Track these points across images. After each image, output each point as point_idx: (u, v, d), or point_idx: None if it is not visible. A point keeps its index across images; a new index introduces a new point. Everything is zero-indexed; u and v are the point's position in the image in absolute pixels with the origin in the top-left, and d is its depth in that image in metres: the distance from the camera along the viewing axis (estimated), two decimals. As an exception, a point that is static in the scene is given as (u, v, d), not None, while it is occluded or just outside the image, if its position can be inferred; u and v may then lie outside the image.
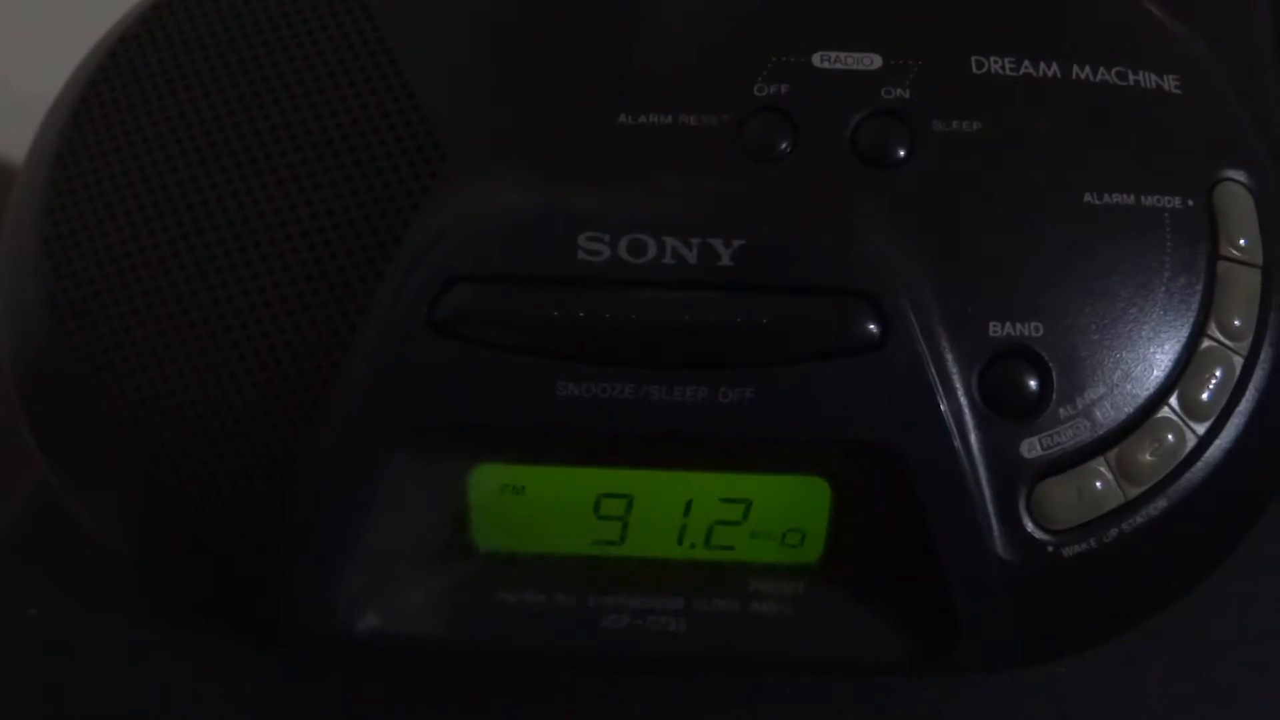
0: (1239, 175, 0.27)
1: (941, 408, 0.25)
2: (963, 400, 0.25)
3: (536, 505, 0.27)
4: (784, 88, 0.26)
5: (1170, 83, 0.27)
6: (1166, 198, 0.26)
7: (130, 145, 0.27)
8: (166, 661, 0.31)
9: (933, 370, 0.25)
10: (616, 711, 0.30)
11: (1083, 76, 0.27)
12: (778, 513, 0.27)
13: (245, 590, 0.27)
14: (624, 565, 0.28)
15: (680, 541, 0.28)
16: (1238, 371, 0.26)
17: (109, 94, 0.28)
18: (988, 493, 0.25)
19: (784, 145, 0.26)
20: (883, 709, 0.30)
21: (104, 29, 0.30)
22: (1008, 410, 0.25)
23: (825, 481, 0.26)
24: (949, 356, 0.25)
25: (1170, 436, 0.25)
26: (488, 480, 0.27)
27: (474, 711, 0.30)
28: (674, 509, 0.27)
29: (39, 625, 0.32)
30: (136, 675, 0.31)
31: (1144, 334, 0.25)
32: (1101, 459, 0.25)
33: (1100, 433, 0.25)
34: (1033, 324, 0.25)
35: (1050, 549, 0.25)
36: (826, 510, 0.27)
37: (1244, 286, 0.26)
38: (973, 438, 0.25)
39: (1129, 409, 0.25)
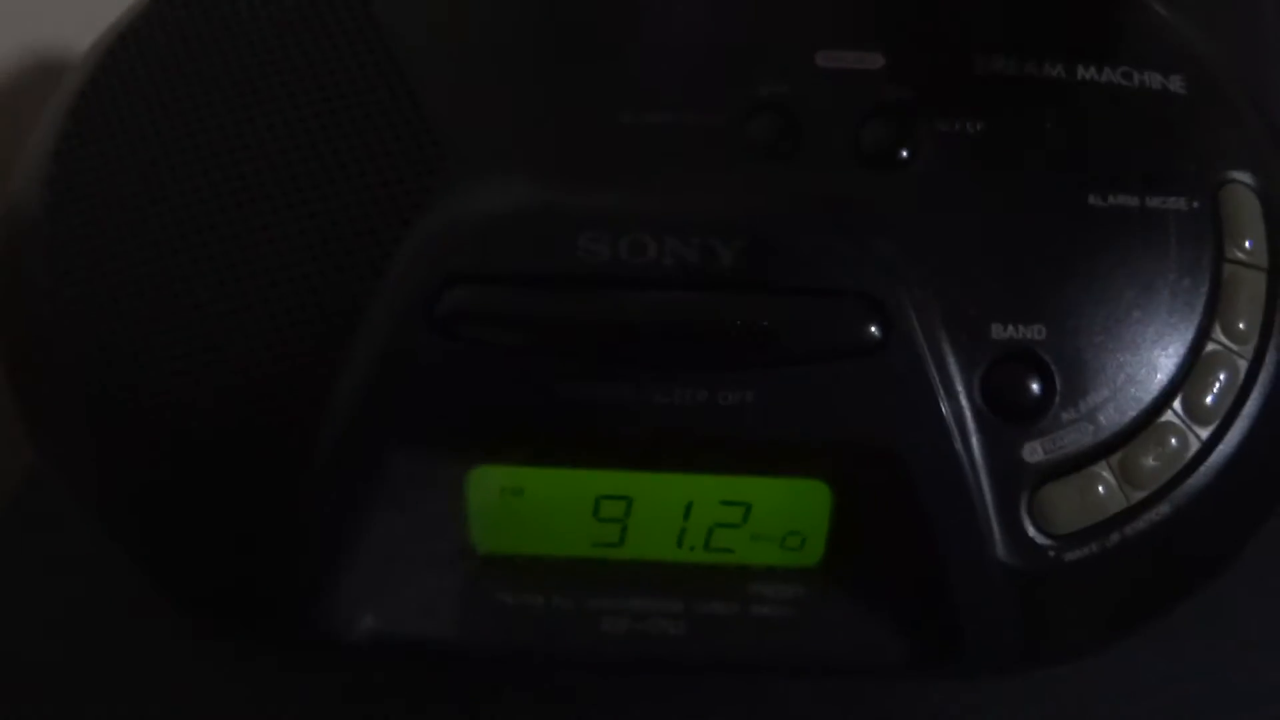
0: (1245, 177, 0.26)
1: (943, 410, 0.24)
2: (964, 403, 0.25)
3: (535, 507, 0.27)
4: (786, 87, 0.26)
5: (1176, 83, 0.27)
6: (1172, 199, 0.26)
7: (129, 146, 0.27)
8: (164, 662, 0.31)
9: (934, 372, 0.24)
10: (615, 715, 0.29)
11: (1087, 76, 0.27)
12: (778, 515, 0.27)
13: (244, 591, 0.27)
14: (623, 567, 0.27)
15: (680, 544, 0.27)
16: (1242, 375, 0.25)
17: (107, 93, 0.27)
18: (989, 496, 0.25)
19: (786, 145, 0.26)
20: (883, 712, 0.30)
21: (102, 26, 0.29)
22: (1010, 413, 0.25)
23: (826, 484, 0.26)
24: (951, 359, 0.25)
25: (1174, 441, 0.25)
26: (486, 482, 0.27)
27: (473, 714, 0.30)
28: (673, 511, 0.27)
29: (34, 623, 0.32)
30: (133, 675, 0.31)
31: (1148, 337, 0.25)
32: (1104, 463, 0.25)
33: (1103, 436, 0.25)
34: (1035, 326, 0.25)
35: (1052, 553, 0.25)
36: (827, 513, 0.27)
37: (1249, 289, 0.26)
38: (974, 441, 0.25)
39: (1132, 413, 0.25)
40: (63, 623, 0.32)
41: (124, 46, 0.28)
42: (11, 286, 0.27)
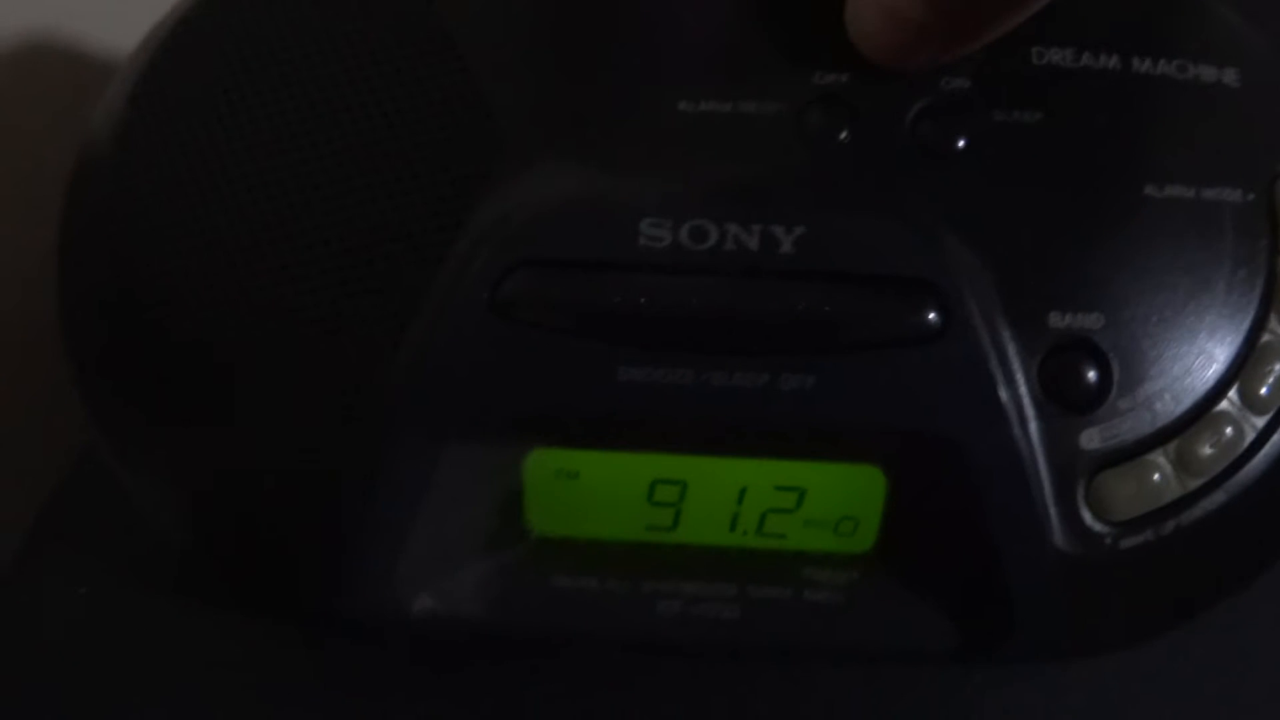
0: (1300, 171, 0.26)
1: (1001, 398, 0.25)
2: (1023, 391, 0.25)
3: (590, 490, 0.27)
4: (844, 76, 0.26)
5: (1230, 76, 0.27)
6: (1227, 191, 0.26)
7: (189, 128, 0.27)
8: (215, 646, 0.31)
9: (993, 360, 0.25)
10: (668, 697, 0.30)
11: (1143, 69, 0.27)
12: (831, 501, 0.27)
13: (300, 575, 0.27)
14: (678, 551, 0.28)
15: (733, 528, 0.28)
16: (1298, 366, 0.26)
17: (171, 72, 0.28)
18: (1046, 484, 0.25)
19: (844, 134, 0.26)
20: (924, 698, 0.30)
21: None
22: (1067, 401, 0.25)
23: (880, 470, 0.26)
24: (1009, 347, 0.25)
25: (1229, 430, 0.25)
26: (543, 465, 0.27)
27: (526, 694, 0.30)
28: (727, 496, 0.27)
29: (88, 605, 0.32)
30: (178, 658, 0.31)
31: (1204, 327, 0.25)
32: (1160, 451, 0.25)
33: (1159, 425, 0.25)
34: (1093, 315, 0.25)
35: (1108, 541, 0.25)
36: (881, 499, 0.27)
37: (1305, 281, 0.26)
38: (1032, 428, 0.25)
39: (1189, 402, 0.25)
40: (102, 608, 0.32)
41: (185, 29, 0.28)
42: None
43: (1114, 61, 0.27)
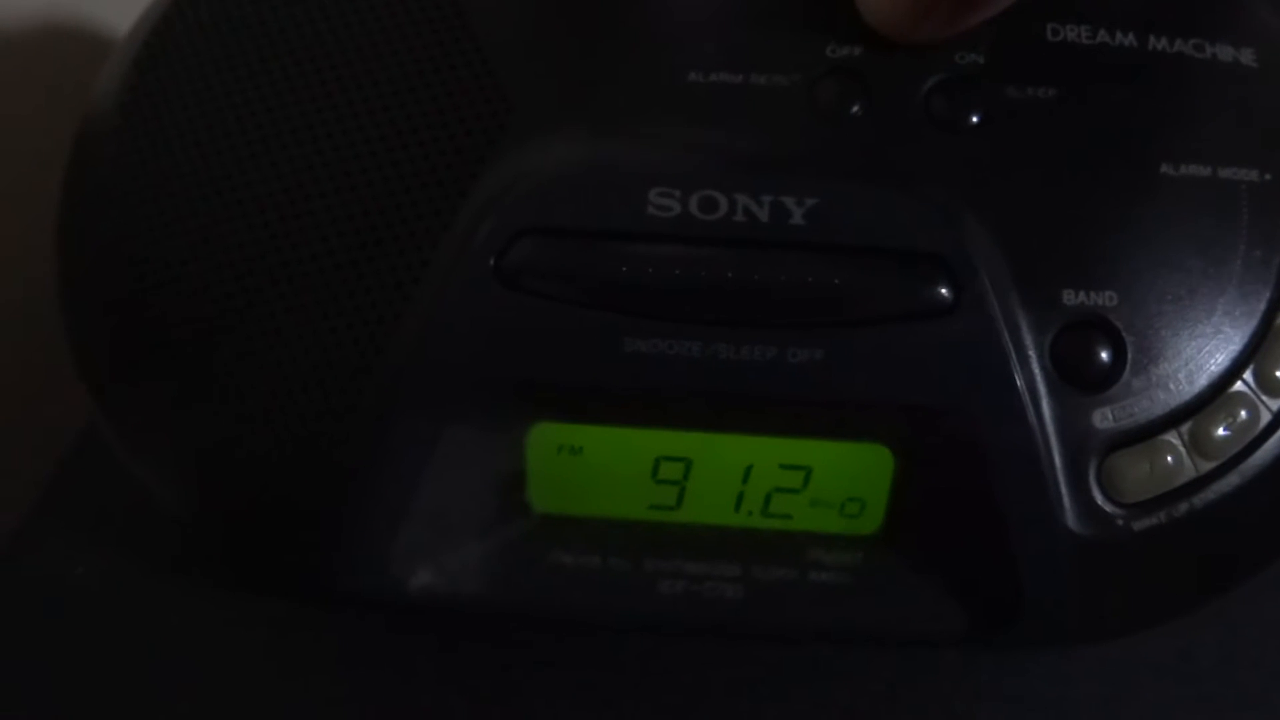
0: (1316, 150, 0.26)
1: (1014, 375, 0.24)
2: (1035, 368, 0.24)
3: (594, 467, 0.27)
4: (857, 50, 0.26)
5: (1247, 55, 0.27)
6: (1244, 170, 0.26)
7: (194, 93, 0.27)
8: (202, 625, 0.31)
9: (1006, 337, 0.24)
10: (669, 677, 0.29)
11: (1159, 47, 0.26)
12: (838, 481, 0.27)
13: (299, 547, 0.27)
14: (682, 530, 0.27)
15: (738, 508, 0.27)
16: (1314, 348, 0.25)
17: (183, 28, 0.27)
18: (1058, 463, 0.24)
19: (856, 107, 0.26)
20: (931, 682, 0.30)
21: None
22: (1080, 380, 0.24)
23: (888, 449, 0.26)
24: (1022, 323, 0.24)
25: (1244, 412, 0.25)
26: (546, 440, 0.27)
27: (526, 672, 0.29)
28: (733, 475, 0.27)
29: (86, 584, 0.31)
30: (178, 636, 0.30)
31: (1219, 307, 0.25)
32: (1174, 432, 0.25)
33: (1173, 405, 0.25)
34: (1107, 293, 0.25)
35: (1120, 522, 0.25)
36: (889, 479, 0.26)
37: (1321, 262, 0.25)
38: (1044, 406, 0.24)
39: (1203, 382, 0.25)
40: (101, 586, 0.31)
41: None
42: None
43: (1130, 39, 0.27)
